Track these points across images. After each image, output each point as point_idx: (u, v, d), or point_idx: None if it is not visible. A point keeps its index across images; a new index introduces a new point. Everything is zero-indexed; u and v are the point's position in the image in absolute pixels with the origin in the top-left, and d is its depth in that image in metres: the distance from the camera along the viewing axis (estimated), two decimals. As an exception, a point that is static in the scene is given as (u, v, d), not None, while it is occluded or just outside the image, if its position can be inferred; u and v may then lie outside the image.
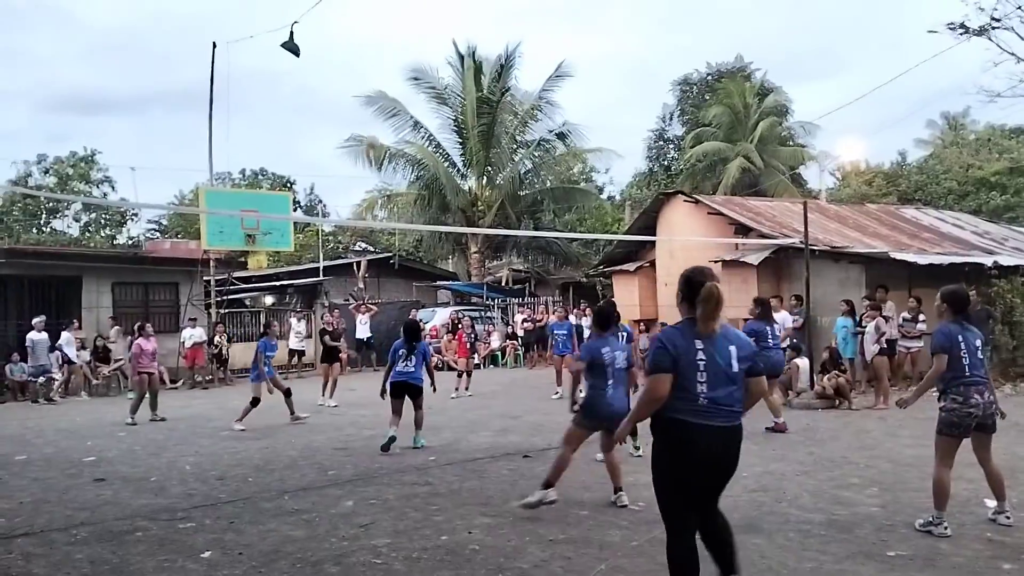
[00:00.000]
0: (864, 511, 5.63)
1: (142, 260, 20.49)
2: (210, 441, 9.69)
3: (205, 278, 19.22)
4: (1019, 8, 17.91)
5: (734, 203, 18.32)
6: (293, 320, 19.28)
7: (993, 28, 18.71)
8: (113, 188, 38.49)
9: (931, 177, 32.00)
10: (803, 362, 11.96)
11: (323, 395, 13.07)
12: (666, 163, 37.88)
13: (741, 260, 14.85)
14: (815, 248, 13.88)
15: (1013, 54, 18.93)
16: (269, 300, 22.21)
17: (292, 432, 10.25)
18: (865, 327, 11.88)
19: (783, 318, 12.84)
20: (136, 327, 12.33)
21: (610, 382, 5.90)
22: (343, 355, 15.65)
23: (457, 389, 13.86)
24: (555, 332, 13.82)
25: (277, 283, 21.64)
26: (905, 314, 12.70)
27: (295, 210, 40.12)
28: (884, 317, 11.98)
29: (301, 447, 9.06)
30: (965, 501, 5.61)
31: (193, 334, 17.23)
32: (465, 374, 14.46)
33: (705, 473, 3.55)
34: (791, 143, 34.09)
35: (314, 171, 75.65)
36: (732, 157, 31.20)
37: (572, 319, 19.97)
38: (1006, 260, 14.81)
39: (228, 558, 4.96)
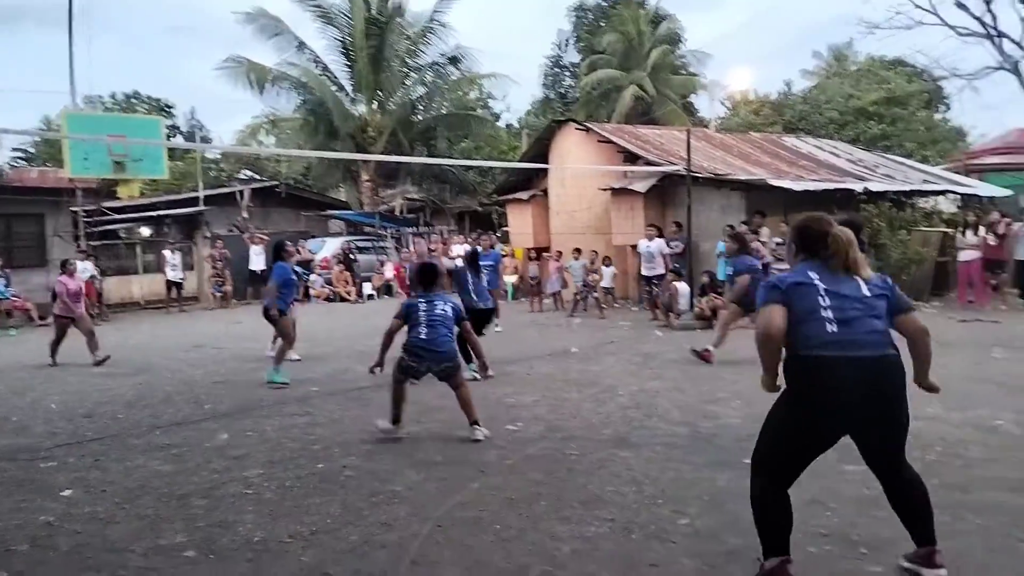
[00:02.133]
0: (726, 423, 5.95)
1: (1, 189, 18.97)
2: (78, 379, 9.22)
3: (72, 209, 17.96)
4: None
5: (624, 131, 18.48)
6: (167, 252, 18.35)
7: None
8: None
9: (814, 107, 33.21)
10: (683, 286, 12.38)
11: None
12: (562, 91, 37.77)
13: (629, 188, 15.09)
14: (698, 175, 14.23)
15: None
16: (146, 231, 21.02)
17: (170, 367, 9.87)
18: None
19: (659, 246, 13.24)
20: (61, 263, 11.36)
21: (422, 326, 5.79)
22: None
23: None
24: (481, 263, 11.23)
25: (154, 213, 20.44)
26: (777, 239, 13.34)
27: (173, 136, 37.89)
28: (761, 242, 12.52)
29: (177, 382, 8.75)
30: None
31: (85, 267, 16.10)
32: None
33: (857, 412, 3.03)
34: (683, 72, 34.55)
35: (194, 95, 71.27)
36: (626, 85, 31.38)
37: (460, 249, 19.56)
38: (875, 186, 15.67)
39: (90, 496, 4.77)
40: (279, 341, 8.81)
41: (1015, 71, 19.00)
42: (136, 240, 20.61)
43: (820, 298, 3.06)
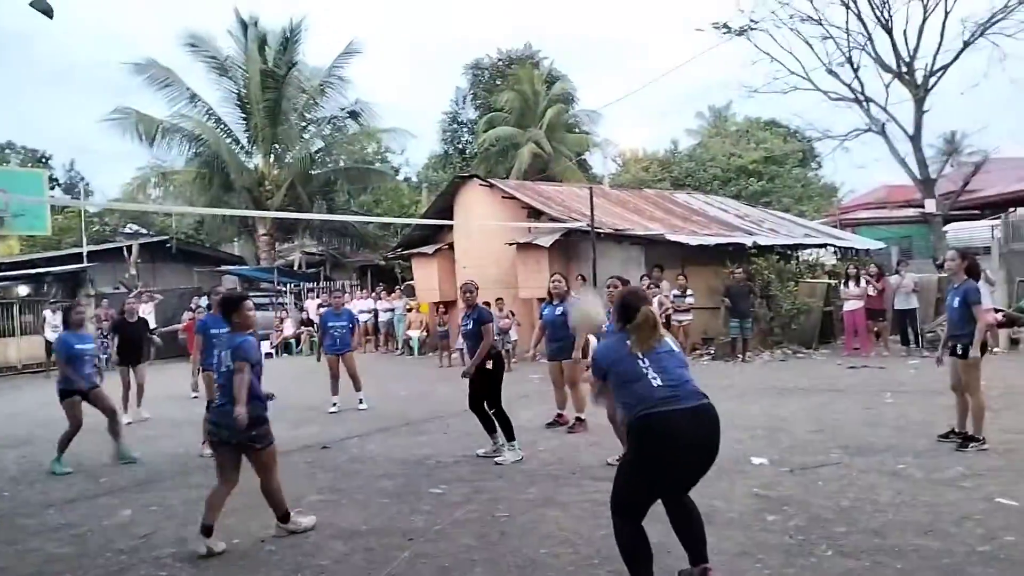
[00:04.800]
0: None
1: None
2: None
3: (-60, 266, 16.64)
4: (772, 13, 20.01)
5: (527, 187, 18.89)
6: (48, 312, 17.23)
7: (751, 30, 20.89)
8: None
9: (699, 164, 35.01)
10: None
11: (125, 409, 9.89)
12: (461, 146, 38.25)
13: (534, 243, 15.37)
14: (600, 231, 14.68)
15: (768, 54, 21.24)
16: (24, 290, 19.67)
17: (54, 439, 9.15)
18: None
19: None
20: None
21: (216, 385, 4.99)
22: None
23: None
24: (329, 324, 10.45)
25: (32, 271, 19.19)
26: (675, 291, 13.91)
27: (52, 189, 35.92)
28: (664, 295, 13.00)
29: (67, 454, 8.11)
30: (737, 459, 6.19)
31: None
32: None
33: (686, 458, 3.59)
34: (577, 130, 35.75)
35: (74, 146, 67.99)
36: (523, 142, 32.14)
37: (363, 304, 19.48)
38: (763, 240, 16.60)
39: (-23, 587, 4.34)
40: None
41: (882, 132, 20.65)
42: (13, 299, 19.25)
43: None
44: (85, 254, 19.62)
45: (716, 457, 3.61)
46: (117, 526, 5.41)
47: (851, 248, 19.49)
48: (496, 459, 6.73)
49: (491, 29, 69.93)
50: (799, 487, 5.45)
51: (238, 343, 4.88)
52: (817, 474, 5.78)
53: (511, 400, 10.23)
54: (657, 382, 3.57)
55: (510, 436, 6.87)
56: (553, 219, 15.75)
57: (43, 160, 37.42)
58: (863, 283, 13.46)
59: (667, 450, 3.49)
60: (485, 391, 6.93)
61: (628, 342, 3.72)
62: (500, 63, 37.13)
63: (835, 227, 23.71)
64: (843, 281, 14.03)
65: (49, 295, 19.14)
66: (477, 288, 7.46)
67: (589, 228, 14.43)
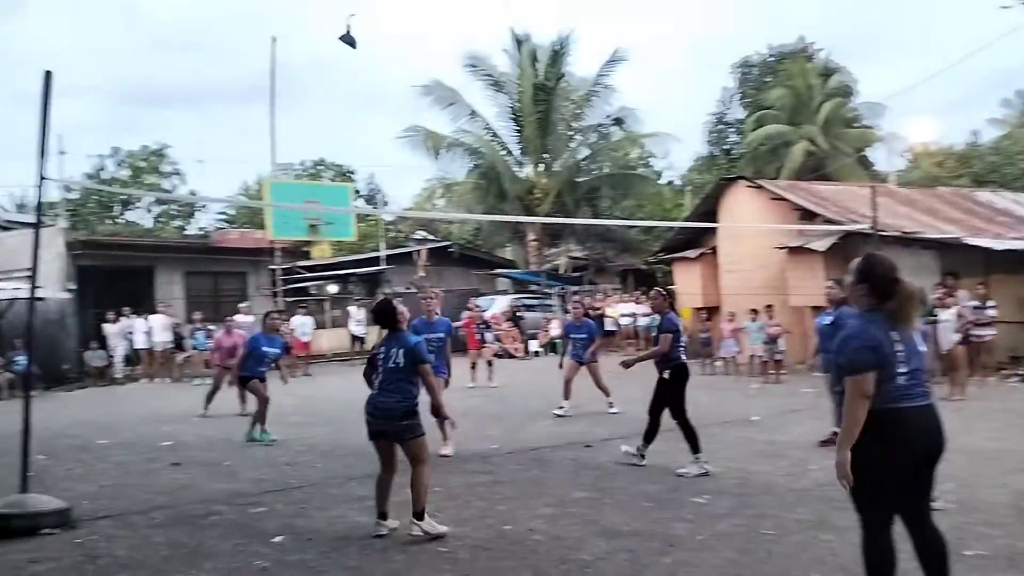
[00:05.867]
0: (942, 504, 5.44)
1: (212, 250, 21.15)
2: (279, 427, 9.92)
3: (271, 267, 19.71)
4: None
5: (799, 188, 17.87)
6: (352, 308, 19.65)
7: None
8: (182, 180, 39.89)
9: (1006, 157, 30.63)
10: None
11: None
12: (727, 147, 37.17)
13: (807, 247, 14.49)
14: (884, 234, 13.44)
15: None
16: (333, 288, 22.64)
17: (357, 420, 10.42)
18: (937, 316, 11.44)
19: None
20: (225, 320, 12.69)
21: (377, 379, 5.33)
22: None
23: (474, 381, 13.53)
24: (571, 336, 11.02)
25: (340, 272, 22.09)
26: (974, 301, 12.22)
27: (356, 199, 40.73)
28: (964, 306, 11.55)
29: (366, 434, 9.21)
30: None
31: (304, 322, 17.39)
32: (484, 364, 13.85)
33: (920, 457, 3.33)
34: (857, 124, 33.05)
35: (373, 161, 76.62)
36: (795, 140, 30.44)
37: (624, 308, 19.68)
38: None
39: (298, 543, 5.10)
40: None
41: None
42: (325, 296, 22.22)
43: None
44: (383, 258, 22.08)
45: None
46: (405, 502, 6.00)
47: None
48: (678, 470, 6.66)
49: (759, 24, 67.07)
50: None
51: (413, 344, 5.25)
52: None
53: (780, 414, 9.81)
54: (902, 370, 3.21)
55: (695, 448, 6.73)
56: (828, 221, 14.73)
57: (348, 175, 42.58)
58: None
59: (909, 450, 3.25)
60: (666, 401, 6.89)
61: (885, 323, 3.28)
62: (770, 59, 35.48)
63: None
64: None
65: (353, 294, 21.82)
66: (664, 296, 7.38)
67: (871, 231, 13.26)
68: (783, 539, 4.86)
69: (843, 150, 30.85)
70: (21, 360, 13.82)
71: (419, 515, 5.07)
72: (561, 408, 10.26)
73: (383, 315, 5.48)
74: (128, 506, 6.18)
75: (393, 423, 5.16)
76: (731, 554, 4.62)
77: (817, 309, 13.57)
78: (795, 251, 14.72)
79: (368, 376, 5.50)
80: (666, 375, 6.90)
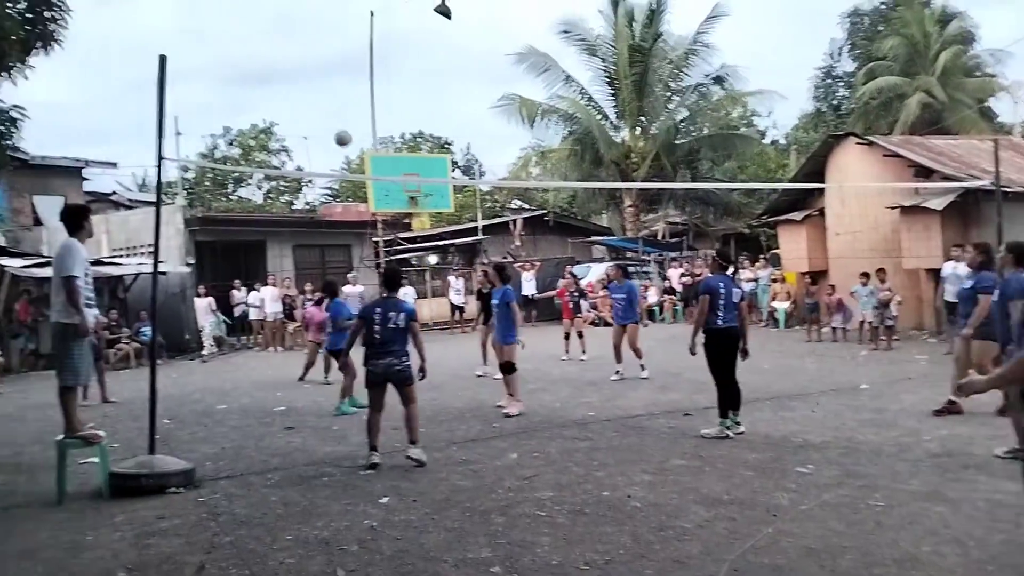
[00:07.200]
0: None
1: (319, 224, 21.94)
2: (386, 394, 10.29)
3: (373, 239, 20.28)
4: None
5: (913, 143, 16.86)
6: (452, 278, 20.02)
7: None
8: (289, 156, 41.50)
9: None
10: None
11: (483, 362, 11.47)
12: (835, 102, 35.38)
13: (923, 205, 13.69)
14: (1008, 190, 12.53)
15: None
16: (433, 259, 23.10)
17: (459, 385, 10.71)
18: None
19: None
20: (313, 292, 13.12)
21: (376, 340, 6.24)
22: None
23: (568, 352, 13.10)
24: (614, 296, 11.16)
25: (440, 243, 22.51)
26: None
27: (453, 170, 41.32)
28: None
29: (467, 399, 9.47)
30: None
31: (407, 292, 17.86)
32: (575, 335, 13.19)
33: None
34: (978, 73, 30.73)
35: (469, 131, 77.15)
36: (910, 92, 28.61)
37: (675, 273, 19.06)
38: None
39: (404, 504, 5.30)
40: None
41: None
42: (425, 267, 22.72)
43: None
44: (480, 228, 22.33)
45: None
46: (505, 467, 6.18)
47: None
48: (703, 431, 6.90)
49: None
50: None
51: (411, 309, 6.54)
52: None
53: (891, 382, 9.41)
54: None
55: (723, 413, 6.90)
56: (946, 178, 13.87)
57: (446, 146, 43.13)
58: None
59: None
60: (717, 365, 6.97)
61: None
62: (883, 6, 33.34)
63: None
64: None
65: (452, 263, 22.20)
66: (714, 259, 7.53)
67: (993, 187, 12.38)
68: (892, 510, 4.69)
69: (963, 101, 28.75)
70: (146, 331, 14.78)
71: (414, 443, 6.35)
72: (617, 373, 10.55)
73: (390, 280, 6.63)
74: (246, 467, 6.58)
75: (397, 373, 6.30)
76: (836, 524, 4.50)
77: (932, 272, 12.90)
78: (909, 211, 13.95)
79: (356, 333, 6.52)
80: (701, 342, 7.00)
